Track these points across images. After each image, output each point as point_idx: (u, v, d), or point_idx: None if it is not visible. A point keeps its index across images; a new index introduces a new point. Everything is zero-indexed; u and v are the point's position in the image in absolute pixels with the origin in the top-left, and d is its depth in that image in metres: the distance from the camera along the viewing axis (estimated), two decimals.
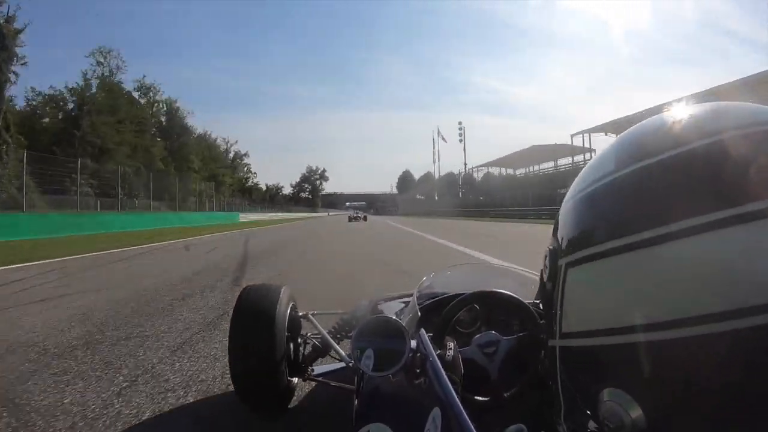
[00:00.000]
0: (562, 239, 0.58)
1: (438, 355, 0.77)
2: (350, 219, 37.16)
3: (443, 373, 0.69)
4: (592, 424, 0.52)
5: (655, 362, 0.44)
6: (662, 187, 0.47)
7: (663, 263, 0.44)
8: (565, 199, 0.62)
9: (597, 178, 0.55)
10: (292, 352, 1.59)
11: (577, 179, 0.62)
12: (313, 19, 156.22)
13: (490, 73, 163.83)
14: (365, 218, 38.08)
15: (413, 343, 0.78)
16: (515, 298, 0.97)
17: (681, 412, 0.44)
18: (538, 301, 1.14)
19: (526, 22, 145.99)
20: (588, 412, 0.52)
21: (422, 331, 0.85)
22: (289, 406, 1.64)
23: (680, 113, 0.53)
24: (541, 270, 0.65)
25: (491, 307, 1.03)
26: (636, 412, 0.45)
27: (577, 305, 0.54)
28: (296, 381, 1.64)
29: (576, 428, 0.56)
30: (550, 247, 0.61)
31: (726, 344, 0.40)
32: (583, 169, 0.63)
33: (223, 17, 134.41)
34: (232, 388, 1.60)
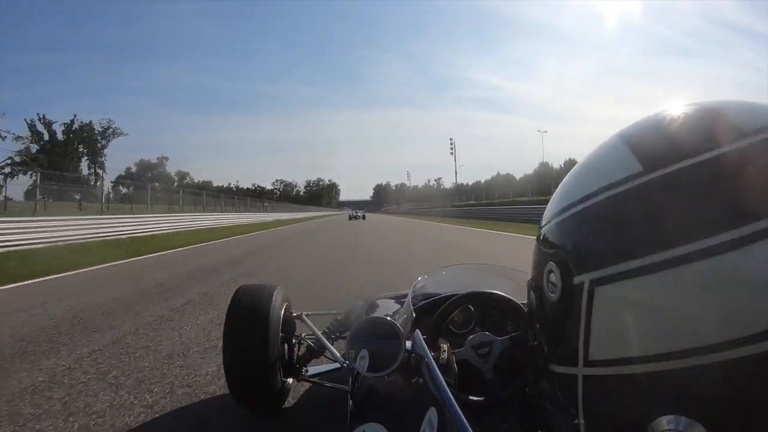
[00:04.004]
0: (578, 251, 0.51)
1: (432, 356, 0.77)
2: (350, 218, 38.06)
3: (438, 373, 0.69)
4: None
5: (725, 384, 0.39)
6: (709, 192, 0.42)
7: (725, 275, 0.39)
8: (564, 204, 0.54)
9: (618, 180, 0.48)
10: (286, 353, 1.59)
11: (579, 180, 0.55)
12: (308, 17, 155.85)
13: (488, 70, 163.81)
14: (364, 217, 39.56)
15: (408, 344, 0.78)
16: (508, 298, 0.98)
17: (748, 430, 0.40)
18: None
19: (522, 18, 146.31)
20: None
21: (417, 331, 0.86)
22: (283, 407, 1.64)
23: (694, 111, 0.50)
24: (535, 286, 0.58)
25: (485, 308, 1.03)
26: None
27: (615, 329, 0.46)
28: (291, 382, 1.64)
29: None
30: (555, 262, 0.53)
31: None
32: (582, 170, 0.56)
33: (217, 18, 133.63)
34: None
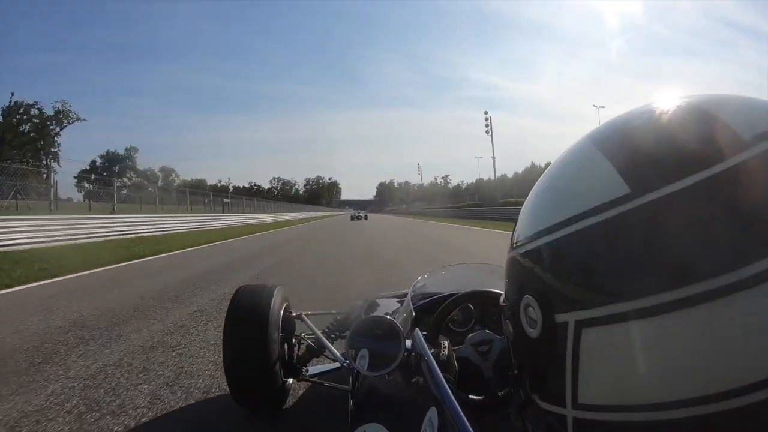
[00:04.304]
0: (560, 286, 0.45)
1: (432, 354, 0.77)
2: (353, 218, 38.20)
3: (439, 372, 0.69)
4: None
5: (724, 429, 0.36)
6: (714, 221, 0.37)
7: (730, 318, 0.34)
8: (541, 225, 0.48)
9: (603, 205, 0.41)
10: (286, 353, 1.59)
11: (550, 197, 0.50)
12: (308, 17, 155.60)
13: (488, 70, 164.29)
14: (366, 217, 39.83)
15: (408, 343, 0.78)
16: None
17: None
18: None
19: (522, 17, 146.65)
20: None
21: (417, 330, 0.85)
22: (283, 407, 1.64)
23: (676, 113, 0.45)
24: (512, 314, 0.52)
25: (485, 307, 1.03)
26: None
27: (607, 374, 0.41)
28: (291, 381, 1.64)
29: None
30: (533, 295, 0.48)
31: None
32: (554, 185, 0.51)
33: (217, 18, 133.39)
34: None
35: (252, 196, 57.04)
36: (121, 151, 64.68)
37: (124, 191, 22.09)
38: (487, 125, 41.60)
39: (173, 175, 75.47)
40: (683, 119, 0.44)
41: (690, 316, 0.35)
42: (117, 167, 60.22)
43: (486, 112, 42.30)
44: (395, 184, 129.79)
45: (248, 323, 1.46)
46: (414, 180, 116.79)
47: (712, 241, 0.36)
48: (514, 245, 0.53)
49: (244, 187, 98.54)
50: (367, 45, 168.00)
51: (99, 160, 63.97)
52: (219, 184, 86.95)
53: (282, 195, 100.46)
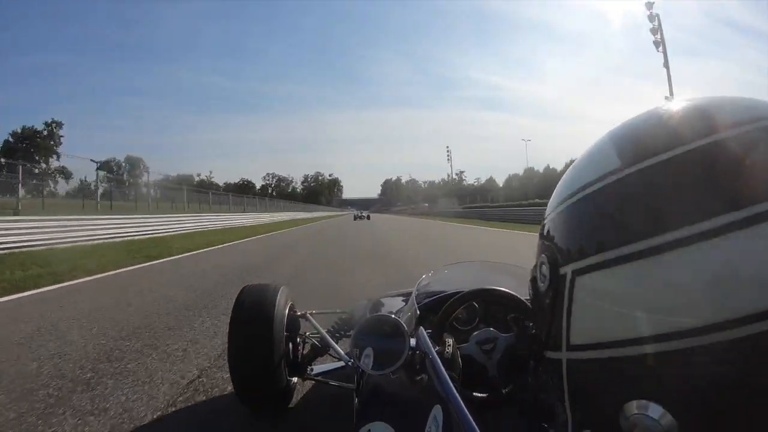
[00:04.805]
0: (563, 244, 0.54)
1: (437, 352, 0.77)
2: (355, 218, 38.48)
3: (443, 370, 0.69)
4: None
5: (688, 370, 0.42)
6: (676, 188, 0.45)
7: (686, 267, 0.42)
8: (558, 200, 0.58)
9: (599, 177, 0.51)
10: (291, 352, 1.59)
11: (570, 176, 0.58)
12: (310, 17, 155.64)
13: (489, 70, 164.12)
14: (368, 217, 40.22)
15: (413, 341, 0.78)
16: (512, 295, 0.98)
17: (715, 419, 0.42)
18: None
19: (524, 17, 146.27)
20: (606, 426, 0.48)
21: (421, 329, 0.85)
22: (289, 406, 1.65)
23: (676, 108, 0.52)
24: (533, 278, 0.61)
25: (489, 304, 1.03)
26: (669, 423, 0.42)
27: (592, 315, 0.49)
28: (296, 380, 1.65)
29: None
30: (546, 254, 0.56)
31: (755, 348, 0.39)
32: (575, 167, 0.59)
33: (219, 18, 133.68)
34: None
35: (241, 193, 45.28)
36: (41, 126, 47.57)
37: (35, 181, 16.13)
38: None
39: (141, 167, 58.16)
40: (679, 111, 0.52)
41: (660, 261, 0.43)
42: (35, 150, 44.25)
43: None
44: (402, 180, 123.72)
45: (253, 322, 1.47)
46: (422, 177, 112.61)
47: (681, 203, 0.44)
48: (542, 221, 0.62)
49: (235, 183, 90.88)
50: (367, 45, 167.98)
51: (11, 140, 44.35)
52: (199, 179, 77.07)
53: (278, 193, 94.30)
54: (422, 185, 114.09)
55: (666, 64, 19.72)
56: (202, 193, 25.90)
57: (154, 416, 1.68)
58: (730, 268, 0.40)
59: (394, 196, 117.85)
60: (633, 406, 0.45)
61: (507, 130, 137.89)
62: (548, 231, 0.58)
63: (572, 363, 0.52)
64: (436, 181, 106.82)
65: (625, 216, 0.47)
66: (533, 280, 0.61)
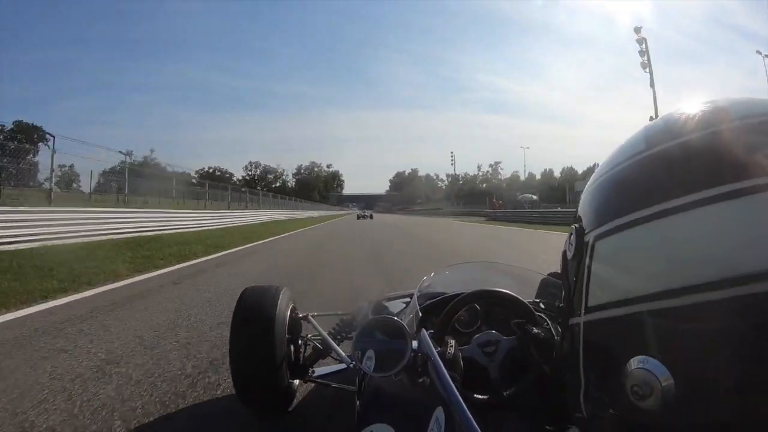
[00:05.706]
0: (589, 216, 0.60)
1: (438, 354, 0.77)
2: (359, 217, 38.97)
3: (446, 372, 0.69)
4: (612, 402, 0.52)
5: (685, 326, 0.45)
6: (683, 164, 0.50)
7: (686, 229, 0.46)
8: (591, 179, 0.64)
9: (627, 157, 0.57)
10: (292, 354, 1.59)
11: (605, 160, 0.64)
12: (318, 17, 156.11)
13: (496, 72, 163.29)
14: (371, 216, 41.25)
15: (414, 343, 0.78)
16: (515, 296, 0.97)
17: (710, 376, 0.44)
18: (538, 300, 1.14)
19: (531, 20, 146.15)
20: (613, 384, 0.51)
21: (423, 330, 0.85)
22: (290, 408, 1.64)
23: (702, 103, 0.58)
24: (563, 251, 0.66)
25: (491, 307, 1.03)
26: (666, 378, 0.45)
27: (606, 276, 0.54)
28: (297, 383, 1.64)
29: (596, 408, 0.55)
30: (576, 226, 0.62)
31: (756, 307, 0.41)
32: (613, 151, 0.64)
33: (228, 17, 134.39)
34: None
35: (215, 182, 25.99)
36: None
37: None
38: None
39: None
40: (703, 107, 0.56)
41: (667, 223, 0.48)
42: None
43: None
44: (419, 173, 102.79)
45: (255, 324, 1.47)
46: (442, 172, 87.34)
47: (690, 174, 0.49)
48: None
49: (207, 171, 70.00)
50: (375, 46, 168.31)
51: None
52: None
53: (265, 186, 73.94)
54: (443, 181, 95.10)
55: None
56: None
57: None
58: (723, 230, 0.44)
59: (414, 193, 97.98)
60: (634, 362, 0.48)
61: (514, 131, 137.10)
62: (579, 207, 0.64)
63: (587, 325, 0.56)
64: (463, 174, 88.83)
65: (639, 186, 0.53)
66: (564, 253, 0.66)
